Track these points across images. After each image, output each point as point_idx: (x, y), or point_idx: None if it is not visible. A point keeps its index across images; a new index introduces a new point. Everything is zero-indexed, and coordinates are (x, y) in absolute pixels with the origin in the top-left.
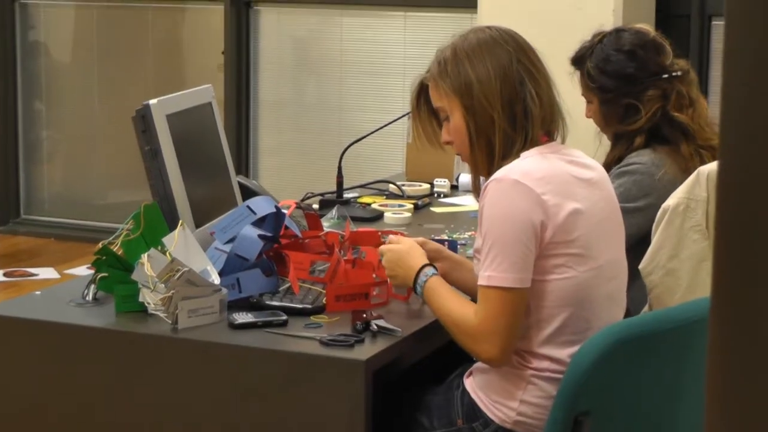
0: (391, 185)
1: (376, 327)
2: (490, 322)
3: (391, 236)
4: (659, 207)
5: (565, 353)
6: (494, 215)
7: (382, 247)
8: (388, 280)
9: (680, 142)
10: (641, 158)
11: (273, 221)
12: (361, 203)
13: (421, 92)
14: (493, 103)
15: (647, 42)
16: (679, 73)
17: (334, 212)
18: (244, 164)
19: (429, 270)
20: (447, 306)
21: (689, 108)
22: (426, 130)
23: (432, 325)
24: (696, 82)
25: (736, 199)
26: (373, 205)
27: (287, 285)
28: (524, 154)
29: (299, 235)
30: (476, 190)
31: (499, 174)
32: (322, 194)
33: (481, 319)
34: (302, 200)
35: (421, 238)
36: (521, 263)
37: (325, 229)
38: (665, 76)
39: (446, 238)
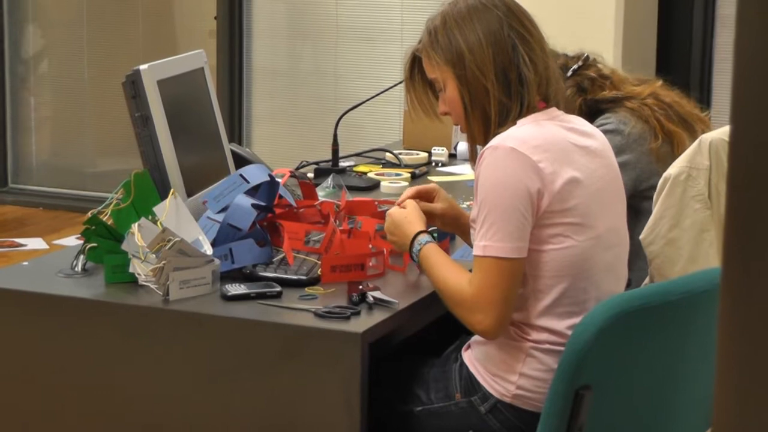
0: (387, 154)
1: (372, 299)
2: (485, 293)
3: (404, 200)
4: (638, 164)
5: (564, 325)
6: (489, 183)
7: (389, 211)
8: (388, 250)
9: (621, 105)
10: (606, 120)
11: (267, 190)
12: (357, 172)
13: (415, 64)
14: (485, 72)
15: None
16: (580, 63)
17: (329, 181)
18: (237, 132)
19: (423, 237)
20: (442, 275)
21: (606, 81)
22: (422, 101)
23: (430, 297)
24: (594, 58)
25: (749, 164)
26: (370, 174)
27: (281, 255)
28: (521, 122)
29: (294, 204)
30: (473, 158)
31: (494, 142)
32: (317, 163)
33: (475, 289)
34: (297, 169)
35: (433, 185)
36: (517, 232)
37: (320, 198)
38: (569, 74)
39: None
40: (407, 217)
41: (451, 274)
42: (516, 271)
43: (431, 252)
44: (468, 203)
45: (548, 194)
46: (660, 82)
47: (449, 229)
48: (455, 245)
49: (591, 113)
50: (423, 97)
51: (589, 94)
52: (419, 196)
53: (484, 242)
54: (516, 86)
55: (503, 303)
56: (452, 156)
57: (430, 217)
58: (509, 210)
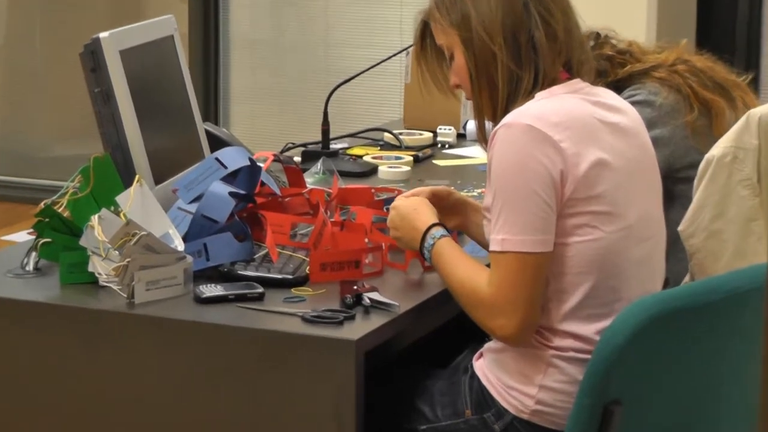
0: (386, 134)
1: (368, 301)
2: (506, 293)
3: (414, 190)
4: (672, 140)
5: (591, 329)
6: (504, 167)
7: (392, 204)
8: (387, 245)
9: (648, 76)
10: (634, 91)
11: (247, 176)
12: (351, 155)
13: (426, 31)
14: (493, 35)
15: None
16: (591, 44)
17: (319, 166)
18: (212, 110)
19: (436, 231)
20: (458, 273)
21: (625, 56)
22: (435, 75)
23: (436, 299)
24: (605, 34)
25: None
26: (366, 158)
27: (264, 251)
28: (539, 95)
29: (278, 192)
30: (482, 138)
31: (508, 118)
32: (304, 145)
33: (495, 289)
34: (281, 152)
35: (443, 187)
36: (539, 222)
37: (308, 185)
38: None
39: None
40: (417, 208)
41: (469, 272)
42: (541, 266)
43: (446, 247)
44: (480, 190)
45: (572, 178)
46: (684, 41)
47: (456, 224)
48: (463, 240)
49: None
50: (436, 70)
51: (610, 77)
52: (431, 199)
53: (502, 235)
54: (527, 52)
55: (528, 304)
56: (461, 136)
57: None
58: (529, 196)
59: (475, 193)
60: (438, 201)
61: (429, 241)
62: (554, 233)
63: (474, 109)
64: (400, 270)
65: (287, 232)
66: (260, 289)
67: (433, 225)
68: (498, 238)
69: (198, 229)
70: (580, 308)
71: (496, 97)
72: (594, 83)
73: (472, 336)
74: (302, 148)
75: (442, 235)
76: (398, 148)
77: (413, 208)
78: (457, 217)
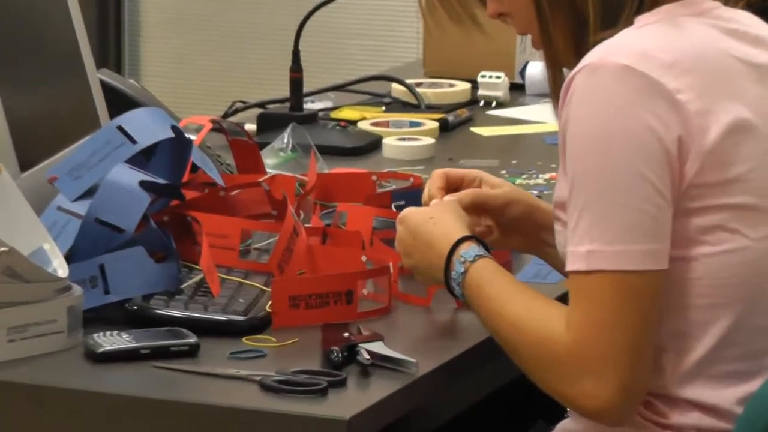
0: (395, 85)
1: (368, 356)
2: (596, 339)
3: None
4: None
5: (729, 396)
6: (588, 136)
7: (402, 213)
8: (397, 266)
9: None
10: None
11: (168, 156)
12: (338, 120)
13: None
14: None
15: None
16: None
17: (286, 138)
18: (113, 51)
19: (469, 249)
20: (511, 313)
21: None
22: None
23: (477, 352)
24: None
25: None
26: (362, 125)
27: (198, 277)
28: (641, 19)
29: (220, 182)
30: (556, 93)
31: (593, 56)
32: (262, 104)
33: (577, 333)
34: (225, 116)
35: (483, 176)
36: (647, 224)
37: (268, 170)
38: None
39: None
40: (435, 216)
41: (530, 310)
42: (651, 294)
43: (486, 273)
44: (549, 176)
45: (697, 151)
46: None
47: (517, 243)
48: (521, 261)
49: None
50: None
51: None
52: (449, 186)
53: (588, 245)
54: None
55: (630, 357)
56: (517, 88)
57: (479, 218)
58: (630, 182)
59: (540, 179)
60: (477, 202)
61: (457, 266)
62: (668, 240)
63: (545, 54)
64: (419, 306)
65: (235, 247)
66: (192, 339)
67: (463, 240)
68: (581, 250)
69: (91, 243)
70: (711, 361)
71: (582, 30)
72: (730, 3)
73: (538, 410)
74: (259, 110)
75: (478, 256)
76: (415, 108)
77: (428, 217)
78: (514, 227)
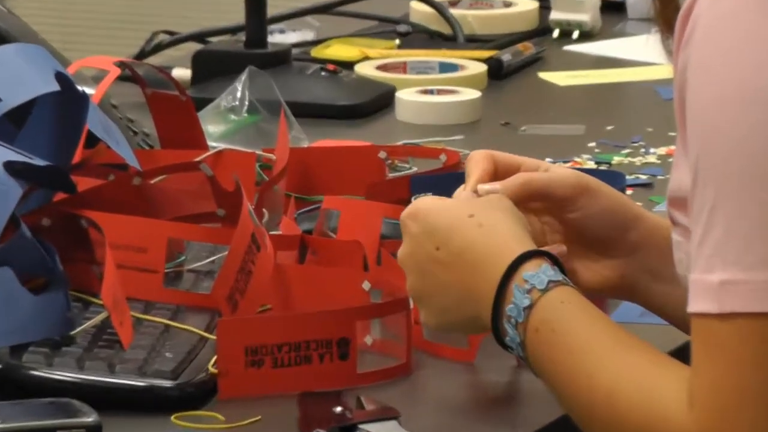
0: (414, 4)
1: None
2: (733, 418)
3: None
4: None
5: None
6: (722, 94)
7: (414, 204)
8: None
9: None
10: None
11: (51, 122)
12: (323, 62)
13: None
14: None
15: None
16: None
17: (239, 91)
18: None
19: (538, 272)
20: (603, 377)
21: None
22: None
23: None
24: None
25: None
26: (362, 69)
27: (99, 317)
28: None
29: (134, 164)
30: (666, 22)
31: None
32: (199, 36)
33: (704, 408)
34: (141, 55)
35: (537, 162)
36: None
37: (211, 142)
38: None
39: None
40: (476, 214)
41: (633, 371)
42: None
43: (569, 310)
44: (665, 150)
45: None
46: None
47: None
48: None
49: None
50: None
51: None
52: (495, 178)
53: (721, 272)
54: None
55: None
56: (612, 9)
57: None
58: None
59: (651, 158)
60: (529, 193)
61: (519, 297)
62: None
63: None
64: (456, 362)
65: (159, 268)
66: (90, 418)
67: (528, 256)
68: (711, 280)
69: None
70: None
71: None
72: None
73: None
74: (195, 46)
75: (554, 282)
76: (449, 42)
77: (467, 215)
78: (590, 242)
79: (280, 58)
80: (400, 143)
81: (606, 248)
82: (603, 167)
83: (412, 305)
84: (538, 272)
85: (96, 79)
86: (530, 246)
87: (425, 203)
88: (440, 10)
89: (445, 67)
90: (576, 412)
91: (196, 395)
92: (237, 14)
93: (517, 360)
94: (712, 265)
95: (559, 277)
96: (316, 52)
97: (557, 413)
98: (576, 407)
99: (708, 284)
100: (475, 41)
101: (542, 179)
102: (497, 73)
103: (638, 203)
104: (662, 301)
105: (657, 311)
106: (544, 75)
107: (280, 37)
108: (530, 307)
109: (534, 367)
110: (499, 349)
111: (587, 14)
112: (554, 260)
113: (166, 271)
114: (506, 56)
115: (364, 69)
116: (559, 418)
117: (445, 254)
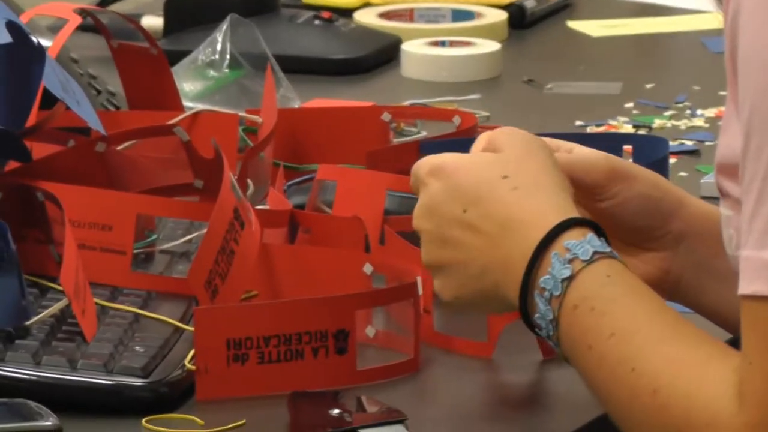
0: None
1: None
2: None
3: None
4: None
5: None
6: None
7: (434, 158)
8: (419, 279)
9: None
10: None
11: (1, 79)
12: (316, 8)
13: None
14: None
15: None
16: None
17: (219, 42)
18: None
19: (582, 241)
20: (649, 365)
21: None
22: None
23: None
24: None
25: None
26: (362, 16)
27: (58, 305)
28: None
29: (98, 128)
30: None
31: None
32: None
33: (756, 405)
34: (104, 2)
35: (567, 144)
36: None
37: (187, 102)
38: None
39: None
40: (511, 175)
41: (680, 361)
42: None
43: (614, 286)
44: (715, 112)
45: None
46: None
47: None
48: None
49: None
50: None
51: None
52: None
53: None
54: None
55: None
56: None
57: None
58: None
59: (698, 122)
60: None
61: (557, 268)
62: None
63: None
64: (472, 357)
65: (127, 248)
66: (49, 421)
67: (570, 224)
68: (765, 258)
69: None
70: None
71: None
72: None
73: None
74: None
75: (599, 253)
76: None
77: (501, 176)
78: (643, 247)
79: (267, 4)
80: (406, 103)
81: (645, 240)
82: (642, 131)
83: (421, 291)
84: (583, 241)
85: (53, 29)
86: (573, 213)
87: (452, 158)
88: None
89: (459, 15)
90: (613, 404)
91: (171, 396)
92: None
93: (541, 350)
94: (766, 241)
95: (607, 248)
96: None
97: (586, 418)
98: (613, 399)
99: (762, 262)
100: None
101: (562, 163)
102: (519, 21)
103: (683, 173)
104: (714, 300)
105: (708, 313)
106: (573, 24)
107: None
108: (570, 279)
109: (566, 351)
110: (520, 344)
111: None
112: (600, 232)
113: (135, 252)
114: (530, 2)
115: (365, 17)
116: (589, 423)
117: (473, 216)
